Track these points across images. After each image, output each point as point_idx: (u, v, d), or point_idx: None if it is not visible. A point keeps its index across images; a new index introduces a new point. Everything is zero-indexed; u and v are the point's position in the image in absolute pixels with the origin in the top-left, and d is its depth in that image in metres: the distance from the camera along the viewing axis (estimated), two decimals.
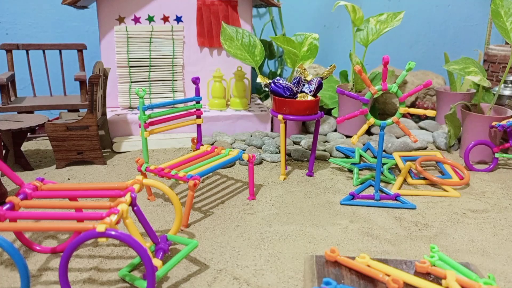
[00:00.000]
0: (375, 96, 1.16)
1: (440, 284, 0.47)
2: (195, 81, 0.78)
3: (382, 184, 0.83)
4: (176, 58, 1.13)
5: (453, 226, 0.67)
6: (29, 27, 1.29)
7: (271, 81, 0.83)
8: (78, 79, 1.04)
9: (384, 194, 0.77)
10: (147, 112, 0.70)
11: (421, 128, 1.17)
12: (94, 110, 0.87)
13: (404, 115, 1.26)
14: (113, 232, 0.43)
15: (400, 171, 0.89)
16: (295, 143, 1.04)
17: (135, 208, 0.52)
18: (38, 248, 0.58)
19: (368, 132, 1.14)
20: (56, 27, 1.31)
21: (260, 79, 0.85)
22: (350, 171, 0.89)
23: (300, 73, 0.85)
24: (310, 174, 0.87)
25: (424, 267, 0.50)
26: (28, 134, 1.04)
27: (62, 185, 0.56)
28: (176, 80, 1.15)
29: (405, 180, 0.85)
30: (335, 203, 0.75)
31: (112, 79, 1.10)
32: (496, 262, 0.58)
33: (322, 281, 0.45)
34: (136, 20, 1.09)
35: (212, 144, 0.96)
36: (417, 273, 0.49)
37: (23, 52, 1.10)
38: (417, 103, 1.35)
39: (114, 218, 0.45)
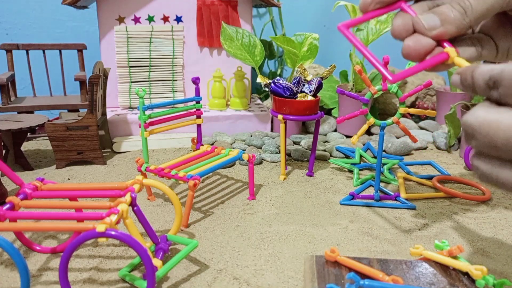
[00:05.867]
0: (375, 96, 1.16)
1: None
2: (195, 81, 0.78)
3: (382, 184, 0.83)
4: (176, 58, 1.13)
5: (453, 226, 0.67)
6: (29, 27, 1.29)
7: (271, 81, 0.83)
8: (78, 79, 1.04)
9: (384, 194, 0.77)
10: (147, 112, 0.71)
11: (421, 128, 1.17)
12: (94, 110, 0.87)
13: (404, 115, 1.26)
14: (113, 232, 0.43)
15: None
16: (295, 143, 1.04)
17: (135, 208, 0.52)
18: (38, 248, 0.58)
19: (368, 132, 1.14)
20: (56, 27, 1.31)
21: (260, 79, 0.85)
22: (350, 171, 0.89)
23: (300, 73, 0.85)
24: (310, 174, 0.87)
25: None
26: (28, 134, 1.05)
27: (62, 185, 0.56)
28: (176, 80, 1.15)
29: (406, 180, 0.85)
30: (335, 203, 0.75)
31: (112, 79, 1.10)
32: (496, 262, 0.58)
33: (326, 286, 0.45)
34: (136, 20, 1.09)
35: (212, 144, 0.96)
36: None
37: (23, 52, 1.10)
38: (417, 103, 1.35)
39: (114, 218, 0.45)
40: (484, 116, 0.29)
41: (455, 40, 0.40)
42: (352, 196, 0.75)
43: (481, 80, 0.30)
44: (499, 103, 0.29)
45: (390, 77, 0.36)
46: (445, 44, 0.37)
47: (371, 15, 0.39)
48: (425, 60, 0.37)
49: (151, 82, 1.13)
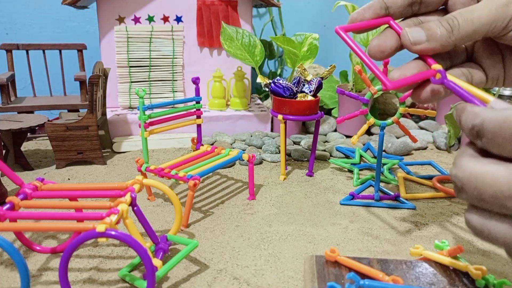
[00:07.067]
0: (375, 96, 1.16)
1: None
2: (195, 81, 0.78)
3: (382, 184, 0.83)
4: (176, 58, 1.13)
5: (453, 226, 0.67)
6: (29, 27, 1.29)
7: (271, 81, 0.83)
8: (78, 79, 1.04)
9: (384, 194, 0.77)
10: (147, 112, 0.71)
11: (421, 128, 1.17)
12: (94, 110, 0.87)
13: (404, 115, 1.26)
14: (113, 232, 0.43)
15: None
16: (295, 143, 1.04)
17: (135, 208, 0.52)
18: (38, 248, 0.58)
19: (368, 132, 1.14)
20: (56, 27, 1.31)
21: (260, 79, 0.85)
22: (350, 171, 0.89)
23: (300, 73, 0.85)
24: (310, 174, 0.87)
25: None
26: (28, 134, 1.05)
27: (62, 185, 0.56)
28: (176, 80, 1.15)
29: (406, 180, 0.85)
30: (335, 203, 0.75)
31: (112, 79, 1.10)
32: (496, 262, 0.58)
33: (327, 285, 0.45)
34: (136, 20, 1.09)
35: (212, 144, 0.96)
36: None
37: (23, 52, 1.10)
38: (417, 103, 1.35)
39: (114, 218, 0.45)
40: (470, 169, 0.28)
41: (447, 68, 0.41)
42: (352, 196, 0.75)
43: (465, 127, 0.30)
44: (483, 151, 0.29)
45: (387, 83, 0.37)
46: (430, 61, 0.39)
47: (365, 24, 0.40)
48: (415, 74, 0.38)
49: (151, 82, 1.13)
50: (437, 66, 0.38)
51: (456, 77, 0.37)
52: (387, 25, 0.41)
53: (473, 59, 0.43)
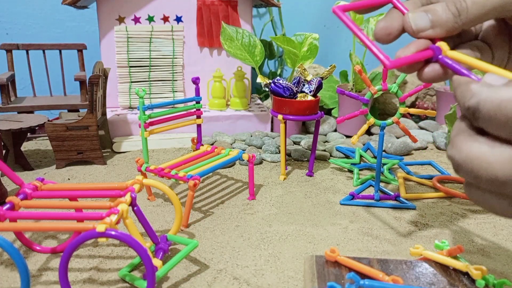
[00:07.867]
0: (375, 96, 1.16)
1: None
2: (195, 81, 0.78)
3: (382, 184, 0.83)
4: (176, 58, 1.13)
5: (453, 226, 0.67)
6: (29, 27, 1.29)
7: (271, 81, 0.83)
8: (78, 79, 1.04)
9: (384, 194, 0.77)
10: (147, 112, 0.71)
11: (421, 128, 1.17)
12: (94, 110, 0.87)
13: (404, 115, 1.26)
14: (113, 232, 0.43)
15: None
16: (295, 143, 1.04)
17: (135, 208, 0.52)
18: (38, 248, 0.58)
19: (368, 132, 1.14)
20: (56, 27, 1.31)
21: (260, 79, 0.85)
22: (350, 171, 0.89)
23: (300, 73, 0.85)
24: (310, 174, 0.87)
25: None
26: (28, 134, 1.05)
27: (62, 185, 0.56)
28: (176, 80, 1.15)
29: (407, 180, 0.85)
30: (335, 203, 0.75)
31: (112, 79, 1.10)
32: (496, 262, 0.58)
33: (327, 285, 0.45)
34: (136, 20, 1.09)
35: (212, 144, 0.96)
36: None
37: (23, 52, 1.10)
38: (417, 103, 1.35)
39: (114, 218, 0.45)
40: (466, 151, 0.28)
41: (455, 45, 0.40)
42: (352, 196, 0.75)
43: (461, 104, 0.29)
44: (480, 128, 0.28)
45: (387, 62, 0.34)
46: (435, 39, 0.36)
47: (365, 3, 0.38)
48: (415, 53, 0.36)
49: (151, 82, 1.13)
50: (442, 44, 0.35)
51: (463, 54, 0.35)
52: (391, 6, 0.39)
53: (480, 37, 0.40)
